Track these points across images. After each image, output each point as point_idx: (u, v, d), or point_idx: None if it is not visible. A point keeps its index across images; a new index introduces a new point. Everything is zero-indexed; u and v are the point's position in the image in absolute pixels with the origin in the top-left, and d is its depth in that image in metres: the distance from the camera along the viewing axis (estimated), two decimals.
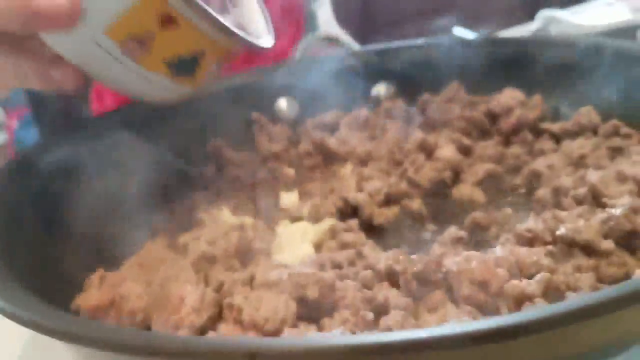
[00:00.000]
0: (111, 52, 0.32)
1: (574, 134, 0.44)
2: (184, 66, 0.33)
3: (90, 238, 0.37)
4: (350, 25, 0.75)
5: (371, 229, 0.39)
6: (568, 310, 0.18)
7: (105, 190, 0.39)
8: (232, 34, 0.33)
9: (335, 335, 0.25)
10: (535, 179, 0.41)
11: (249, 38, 0.34)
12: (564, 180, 0.37)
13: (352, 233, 0.36)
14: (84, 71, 0.33)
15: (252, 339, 0.24)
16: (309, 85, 0.56)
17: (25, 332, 0.38)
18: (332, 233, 0.37)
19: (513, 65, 0.51)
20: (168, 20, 0.31)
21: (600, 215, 0.31)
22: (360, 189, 0.41)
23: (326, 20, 0.64)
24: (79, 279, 0.33)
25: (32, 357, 0.36)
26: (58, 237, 0.35)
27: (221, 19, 0.32)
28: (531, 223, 0.32)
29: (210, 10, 0.31)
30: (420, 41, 0.57)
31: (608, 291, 0.19)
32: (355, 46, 0.61)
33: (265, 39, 0.37)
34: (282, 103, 0.55)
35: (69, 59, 0.33)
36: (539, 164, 0.41)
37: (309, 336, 0.26)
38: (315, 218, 0.39)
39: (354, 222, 0.38)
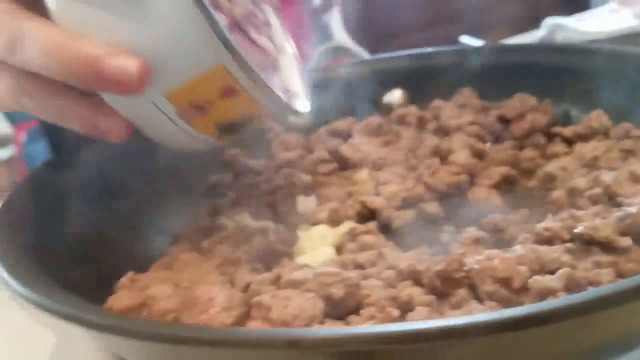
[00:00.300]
0: (167, 114, 0.32)
1: (586, 137, 0.44)
2: (232, 128, 0.34)
3: (113, 242, 0.38)
4: (360, 36, 0.76)
5: (389, 232, 0.40)
6: (596, 297, 0.19)
7: (127, 196, 0.40)
8: (286, 106, 0.34)
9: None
10: (549, 181, 0.42)
11: (294, 106, 0.35)
12: (578, 182, 0.38)
13: (372, 235, 0.37)
14: (132, 123, 0.33)
15: (293, 330, 0.25)
16: (321, 94, 0.57)
17: (50, 343, 0.39)
18: (352, 235, 0.38)
19: (522, 71, 0.52)
20: (229, 92, 0.31)
21: (617, 213, 0.32)
22: (377, 193, 0.42)
23: (338, 31, 0.65)
24: (110, 282, 0.34)
25: None
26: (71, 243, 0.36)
27: (278, 92, 0.33)
28: (549, 222, 0.33)
29: (272, 88, 0.32)
30: (430, 49, 0.58)
31: (632, 279, 0.20)
32: (366, 55, 0.62)
33: (302, 102, 0.38)
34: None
35: (119, 113, 0.33)
36: (553, 166, 0.42)
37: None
38: (334, 222, 0.40)
39: (372, 225, 0.38)
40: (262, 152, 0.53)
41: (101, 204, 0.40)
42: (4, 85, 0.32)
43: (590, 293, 0.20)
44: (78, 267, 0.35)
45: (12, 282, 0.26)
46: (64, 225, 0.38)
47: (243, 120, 0.34)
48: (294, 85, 0.39)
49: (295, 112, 0.36)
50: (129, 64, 0.29)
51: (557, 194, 0.39)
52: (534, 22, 0.98)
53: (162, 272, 0.34)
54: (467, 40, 0.93)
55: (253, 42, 0.36)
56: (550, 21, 0.88)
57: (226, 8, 0.34)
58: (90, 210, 0.39)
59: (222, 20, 0.32)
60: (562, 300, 0.20)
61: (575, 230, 0.31)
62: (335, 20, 0.66)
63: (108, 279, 0.33)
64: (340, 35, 0.64)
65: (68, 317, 0.24)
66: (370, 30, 0.75)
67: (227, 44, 0.30)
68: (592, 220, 0.32)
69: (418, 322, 0.20)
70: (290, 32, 0.43)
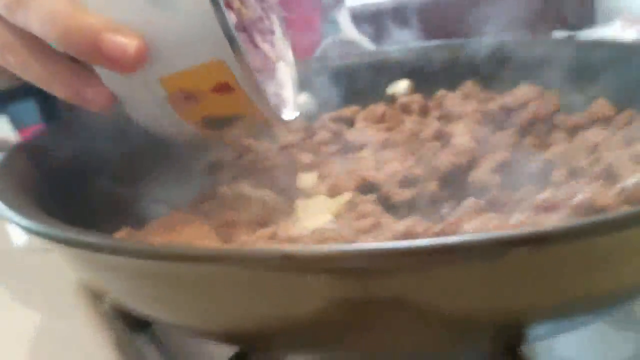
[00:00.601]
0: (157, 97, 0.32)
1: (589, 126, 0.44)
2: (218, 124, 0.34)
3: (114, 200, 0.38)
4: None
5: (389, 207, 0.40)
6: (592, 221, 0.19)
7: (130, 159, 0.40)
8: (274, 113, 0.34)
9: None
10: (549, 164, 0.42)
11: (282, 113, 0.36)
12: (578, 163, 0.38)
13: (371, 205, 0.37)
14: (118, 99, 0.33)
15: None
16: (327, 83, 0.57)
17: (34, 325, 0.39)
18: (351, 205, 0.37)
19: (527, 65, 0.52)
20: (223, 87, 0.31)
21: (616, 187, 0.32)
22: (379, 169, 0.42)
23: (347, 26, 0.65)
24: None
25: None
26: (87, 195, 0.36)
27: (269, 97, 0.33)
28: (549, 192, 0.33)
29: (265, 92, 0.33)
30: (437, 42, 0.58)
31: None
32: (373, 47, 0.62)
33: (290, 111, 0.39)
34: (301, 98, 0.56)
35: (108, 86, 0.32)
36: (553, 151, 0.42)
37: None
38: (334, 194, 0.40)
39: (372, 197, 0.38)
40: (264, 135, 0.53)
41: (99, 174, 0.41)
42: None
43: (587, 219, 0.20)
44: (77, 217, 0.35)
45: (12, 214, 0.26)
46: (60, 186, 0.38)
47: (230, 118, 0.34)
48: (286, 93, 0.40)
49: (281, 120, 0.36)
50: (128, 43, 0.29)
51: (558, 174, 0.39)
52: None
53: (160, 230, 0.34)
54: None
55: (255, 45, 0.37)
56: (556, 35, 0.88)
57: (236, 8, 0.35)
58: (87, 177, 0.39)
59: (231, 18, 0.32)
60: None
61: (575, 200, 0.31)
62: (344, 16, 0.66)
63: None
64: (349, 29, 0.65)
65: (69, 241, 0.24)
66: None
67: (232, 41, 0.30)
68: (592, 191, 0.32)
69: (415, 241, 0.20)
70: (301, 23, 0.43)
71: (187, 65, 0.30)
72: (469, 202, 0.34)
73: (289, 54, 0.42)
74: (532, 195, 0.37)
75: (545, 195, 0.33)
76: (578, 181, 0.37)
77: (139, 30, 0.30)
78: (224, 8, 0.30)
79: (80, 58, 0.31)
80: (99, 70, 0.32)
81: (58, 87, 0.32)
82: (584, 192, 0.32)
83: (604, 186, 0.33)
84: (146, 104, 0.32)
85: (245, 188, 0.40)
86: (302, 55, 0.67)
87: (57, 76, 0.32)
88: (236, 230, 0.34)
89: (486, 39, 0.58)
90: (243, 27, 0.35)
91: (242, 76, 0.31)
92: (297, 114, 0.39)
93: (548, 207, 0.32)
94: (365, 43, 0.62)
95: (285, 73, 0.41)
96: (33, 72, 0.32)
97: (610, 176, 0.35)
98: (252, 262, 0.19)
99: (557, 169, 0.40)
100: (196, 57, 0.30)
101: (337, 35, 0.63)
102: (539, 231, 0.19)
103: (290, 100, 0.40)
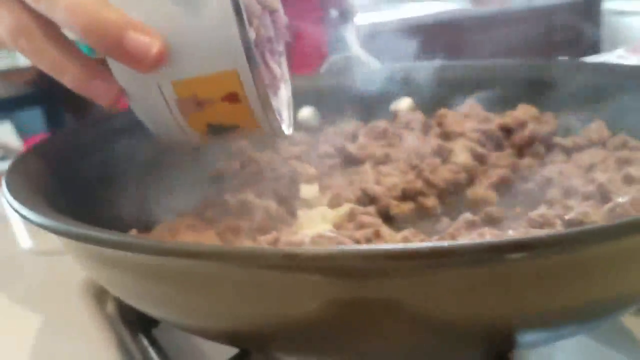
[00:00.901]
0: (167, 99, 0.33)
1: (585, 148, 0.46)
2: (221, 131, 0.36)
3: (123, 205, 0.39)
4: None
5: (388, 219, 0.41)
6: (579, 231, 0.20)
7: (139, 166, 0.42)
8: (277, 128, 0.36)
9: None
10: (547, 183, 0.43)
11: (282, 129, 0.37)
12: (573, 182, 0.39)
13: (370, 216, 0.38)
14: (126, 96, 0.34)
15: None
16: (331, 98, 0.59)
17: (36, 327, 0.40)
18: (351, 216, 0.39)
19: (528, 86, 0.54)
20: (233, 97, 0.33)
21: (607, 205, 0.33)
22: (378, 183, 0.43)
23: (353, 43, 0.67)
24: None
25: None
26: (96, 199, 0.37)
27: (276, 113, 0.35)
28: (542, 210, 0.34)
29: (274, 107, 0.34)
30: (440, 61, 0.60)
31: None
32: (378, 65, 0.64)
33: (286, 128, 0.40)
34: (305, 112, 0.58)
35: (119, 81, 0.33)
36: (550, 170, 0.43)
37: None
38: (335, 205, 0.41)
39: (372, 209, 0.40)
40: (267, 147, 0.54)
41: (107, 179, 0.42)
42: (7, 19, 0.32)
43: (574, 229, 0.21)
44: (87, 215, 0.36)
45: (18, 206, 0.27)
46: (70, 190, 0.39)
47: (233, 127, 0.35)
48: (283, 112, 0.41)
49: (282, 135, 0.38)
50: (150, 43, 0.30)
51: (553, 192, 0.40)
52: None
53: (165, 233, 0.35)
54: None
55: (266, 62, 0.38)
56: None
57: (255, 25, 0.36)
58: (97, 182, 0.41)
59: (252, 31, 0.33)
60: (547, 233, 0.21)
61: (567, 217, 0.32)
62: (350, 33, 0.68)
63: None
64: (355, 46, 0.66)
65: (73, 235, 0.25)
66: None
67: (249, 53, 0.31)
68: (583, 210, 0.33)
69: (410, 244, 0.21)
70: (309, 39, 0.44)
71: (203, 71, 0.32)
72: (465, 217, 0.36)
73: (288, 76, 0.44)
74: (527, 213, 0.38)
75: (539, 212, 0.34)
76: (572, 200, 0.38)
77: (162, 32, 0.31)
78: (246, 21, 0.31)
79: (100, 51, 0.31)
80: (112, 64, 0.32)
81: (68, 77, 0.32)
82: (576, 210, 0.33)
83: (596, 205, 0.34)
84: (154, 105, 0.33)
85: (249, 196, 0.41)
86: (308, 70, 0.69)
87: (69, 65, 0.32)
88: (239, 237, 0.35)
89: (488, 61, 0.60)
90: (256, 44, 0.37)
91: (252, 88, 0.32)
92: (291, 131, 0.41)
93: (541, 223, 0.33)
94: (371, 60, 0.64)
95: (285, 93, 0.42)
96: (46, 59, 0.32)
97: (602, 196, 0.37)
98: (253, 261, 0.20)
99: (552, 188, 0.41)
100: (212, 65, 0.32)
101: (344, 51, 0.64)
102: (531, 238, 0.20)
103: (287, 119, 0.41)
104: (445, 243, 0.20)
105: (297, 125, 0.57)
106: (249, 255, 0.20)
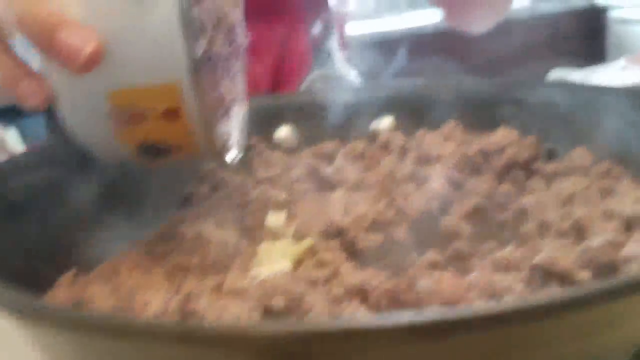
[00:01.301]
0: (97, 108, 0.30)
1: (566, 175, 0.43)
2: (152, 151, 0.33)
3: (69, 241, 0.37)
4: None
5: (354, 252, 0.39)
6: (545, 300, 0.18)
7: (91, 196, 0.40)
8: (217, 152, 0.33)
9: None
10: (522, 215, 0.40)
11: (224, 154, 0.35)
12: (549, 215, 0.37)
13: (332, 253, 0.36)
14: (55, 101, 0.32)
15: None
16: (310, 116, 0.57)
17: None
18: (312, 252, 0.37)
19: (511, 106, 0.52)
20: (172, 114, 0.30)
21: (579, 247, 0.31)
22: (346, 213, 0.41)
23: (337, 57, 0.65)
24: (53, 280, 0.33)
25: None
26: (35, 236, 0.35)
27: (217, 134, 0.32)
28: (508, 252, 0.32)
29: (214, 127, 0.32)
30: (423, 80, 0.58)
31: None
32: (358, 81, 0.62)
33: (233, 153, 0.38)
34: (283, 131, 0.56)
35: (52, 83, 0.31)
36: (527, 201, 0.41)
37: None
38: (299, 237, 0.39)
39: (335, 243, 0.38)
40: (242, 168, 0.53)
41: (63, 205, 0.40)
42: None
43: (537, 297, 0.19)
44: (29, 263, 0.34)
45: None
46: (18, 218, 0.37)
47: (168, 149, 0.32)
48: (232, 136, 0.39)
49: (222, 158, 0.36)
50: (83, 44, 0.28)
51: (527, 226, 0.38)
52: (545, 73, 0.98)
53: (107, 273, 0.33)
54: None
55: (217, 81, 0.36)
56: (557, 72, 0.88)
57: (210, 37, 0.34)
58: (50, 210, 0.39)
59: (200, 45, 0.31)
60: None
61: (534, 261, 0.30)
62: (334, 46, 0.66)
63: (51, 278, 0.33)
64: (338, 61, 0.64)
65: None
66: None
67: (193, 67, 0.29)
68: (553, 252, 0.31)
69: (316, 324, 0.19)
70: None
71: (142, 81, 0.29)
72: (430, 255, 0.33)
73: (245, 98, 0.41)
74: (496, 249, 0.36)
75: (505, 253, 0.32)
76: (545, 236, 0.36)
77: (101, 33, 0.29)
78: (194, 32, 0.29)
79: (34, 45, 0.30)
80: (45, 62, 0.30)
81: None
82: (545, 252, 0.31)
83: (569, 245, 0.32)
84: (85, 113, 0.31)
85: (208, 228, 0.39)
86: (288, 87, 0.67)
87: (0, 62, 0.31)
88: (188, 276, 0.33)
89: (474, 80, 0.58)
90: (209, 57, 0.35)
91: (193, 105, 0.30)
92: (240, 155, 0.38)
93: (507, 266, 0.31)
94: (352, 77, 0.62)
95: (238, 115, 0.40)
96: None
97: (578, 233, 0.34)
98: (148, 338, 0.18)
99: (527, 221, 0.39)
100: (153, 75, 0.29)
101: (326, 67, 0.62)
102: (472, 316, 0.18)
103: (237, 142, 0.39)
104: (357, 323, 0.18)
105: (275, 144, 0.56)
106: (144, 331, 0.18)
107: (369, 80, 0.74)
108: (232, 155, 0.37)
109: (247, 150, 0.55)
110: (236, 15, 0.37)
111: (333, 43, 0.65)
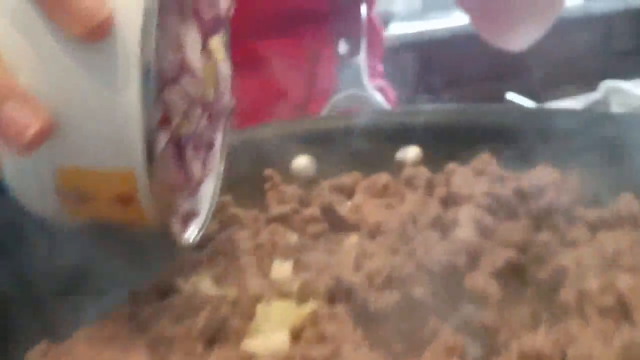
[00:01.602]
0: (44, 181, 0.27)
1: (612, 225, 0.38)
2: (104, 225, 0.30)
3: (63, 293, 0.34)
4: (402, 85, 0.72)
5: (364, 316, 0.35)
6: None
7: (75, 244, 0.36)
8: (172, 239, 0.31)
9: None
10: (560, 275, 0.36)
11: (180, 239, 0.33)
12: (590, 284, 0.32)
13: (336, 323, 0.32)
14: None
15: None
16: (331, 144, 0.53)
17: None
18: (314, 319, 0.32)
19: (555, 139, 0.46)
20: (125, 200, 0.27)
21: (622, 336, 0.26)
22: (358, 267, 0.37)
23: (364, 77, 0.60)
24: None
25: None
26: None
27: (173, 222, 0.30)
28: (539, 339, 0.27)
29: (170, 217, 0.29)
30: (455, 105, 0.53)
31: None
32: (386, 106, 0.57)
33: (194, 232, 0.35)
34: (300, 161, 0.52)
35: None
36: (567, 258, 0.36)
37: None
38: (303, 296, 0.35)
39: (341, 309, 0.33)
40: (256, 202, 0.49)
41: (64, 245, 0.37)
42: None
43: None
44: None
45: None
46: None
47: (121, 225, 0.30)
48: (199, 212, 0.36)
49: (180, 242, 0.33)
50: (27, 123, 0.24)
51: (565, 294, 0.33)
52: (592, 84, 0.92)
53: (83, 344, 0.30)
54: (513, 97, 0.87)
55: (184, 161, 0.33)
56: (607, 84, 0.81)
57: (176, 123, 0.30)
58: (48, 250, 0.36)
59: (162, 136, 0.28)
60: None
61: (567, 352, 0.26)
62: (363, 65, 0.61)
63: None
64: (365, 82, 0.60)
65: None
66: (417, 80, 0.70)
67: (149, 158, 0.26)
68: (590, 343, 0.26)
69: None
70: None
71: (92, 165, 0.26)
72: (447, 338, 0.29)
73: (221, 167, 0.38)
74: (528, 325, 0.32)
75: (536, 343, 0.27)
76: (584, 310, 0.31)
77: (53, 105, 0.25)
78: (153, 118, 0.26)
79: None
80: None
81: None
82: (581, 343, 0.26)
83: (610, 330, 0.27)
84: (30, 181, 0.28)
85: (204, 284, 0.36)
86: (318, 105, 0.63)
87: None
88: (173, 351, 0.29)
89: (511, 106, 0.53)
90: (177, 142, 0.31)
91: (148, 196, 0.27)
92: (201, 234, 0.36)
93: (534, 359, 0.26)
94: (378, 99, 0.57)
95: (210, 189, 0.37)
96: None
97: (622, 310, 0.29)
98: None
99: (565, 285, 0.34)
100: (107, 160, 0.26)
101: (350, 89, 0.58)
102: None
103: (204, 219, 0.36)
104: None
105: (291, 176, 0.52)
106: None
107: (406, 95, 0.69)
108: (195, 234, 0.34)
109: (262, 181, 0.51)
110: (223, 74, 0.34)
111: (362, 61, 0.61)
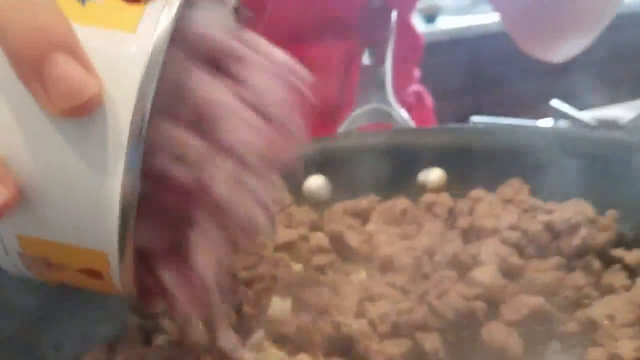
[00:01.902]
0: (7, 242, 0.25)
1: None
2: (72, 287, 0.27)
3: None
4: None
5: None
6: None
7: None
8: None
9: None
10: (591, 328, 0.31)
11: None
12: (623, 347, 0.27)
13: None
14: None
15: None
16: (347, 163, 0.49)
17: None
18: None
19: (594, 167, 0.41)
20: (94, 274, 0.24)
21: None
22: (361, 313, 0.33)
23: (388, 88, 0.56)
24: None
25: None
26: None
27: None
28: None
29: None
30: (483, 125, 0.49)
31: None
32: (410, 123, 0.53)
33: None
34: (313, 182, 0.48)
35: None
36: (599, 310, 0.32)
37: None
38: (297, 347, 0.32)
39: None
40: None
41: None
42: None
43: None
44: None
45: None
46: None
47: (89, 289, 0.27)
48: None
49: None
50: None
51: (595, 355, 0.28)
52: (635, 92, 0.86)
53: None
54: (557, 105, 0.81)
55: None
56: None
57: None
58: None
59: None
60: None
61: None
62: (388, 77, 0.57)
63: None
64: (388, 94, 0.56)
65: None
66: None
67: (129, 241, 0.23)
68: None
69: None
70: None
71: (59, 238, 0.23)
72: None
73: None
74: None
75: None
76: None
77: (23, 173, 0.22)
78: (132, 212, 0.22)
79: None
80: None
81: None
82: None
83: None
84: None
85: (192, 327, 0.32)
86: (329, 128, 0.59)
87: None
88: None
89: (546, 124, 0.48)
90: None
91: (121, 273, 0.24)
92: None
93: None
94: (402, 115, 0.53)
95: None
96: None
97: None
98: None
99: (595, 343, 0.30)
100: (76, 238, 0.23)
101: (370, 104, 0.54)
102: None
103: None
104: None
105: (304, 198, 0.48)
106: None
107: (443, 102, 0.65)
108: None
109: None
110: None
111: (387, 72, 0.57)
